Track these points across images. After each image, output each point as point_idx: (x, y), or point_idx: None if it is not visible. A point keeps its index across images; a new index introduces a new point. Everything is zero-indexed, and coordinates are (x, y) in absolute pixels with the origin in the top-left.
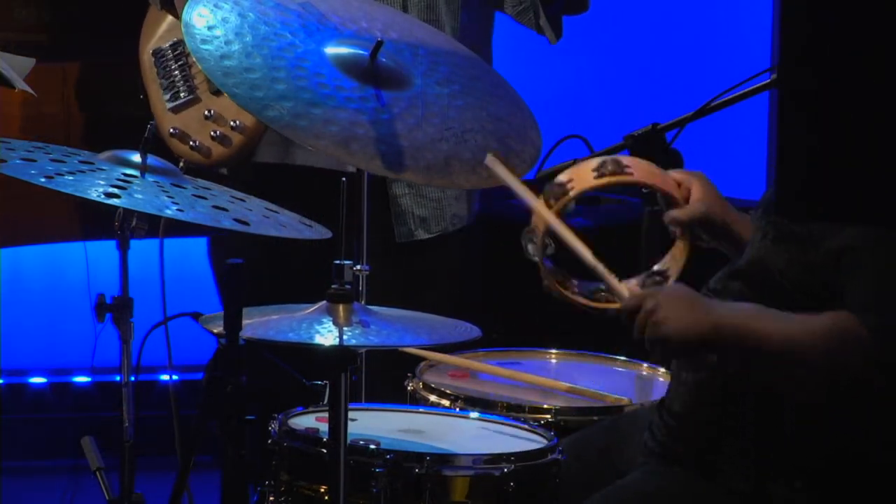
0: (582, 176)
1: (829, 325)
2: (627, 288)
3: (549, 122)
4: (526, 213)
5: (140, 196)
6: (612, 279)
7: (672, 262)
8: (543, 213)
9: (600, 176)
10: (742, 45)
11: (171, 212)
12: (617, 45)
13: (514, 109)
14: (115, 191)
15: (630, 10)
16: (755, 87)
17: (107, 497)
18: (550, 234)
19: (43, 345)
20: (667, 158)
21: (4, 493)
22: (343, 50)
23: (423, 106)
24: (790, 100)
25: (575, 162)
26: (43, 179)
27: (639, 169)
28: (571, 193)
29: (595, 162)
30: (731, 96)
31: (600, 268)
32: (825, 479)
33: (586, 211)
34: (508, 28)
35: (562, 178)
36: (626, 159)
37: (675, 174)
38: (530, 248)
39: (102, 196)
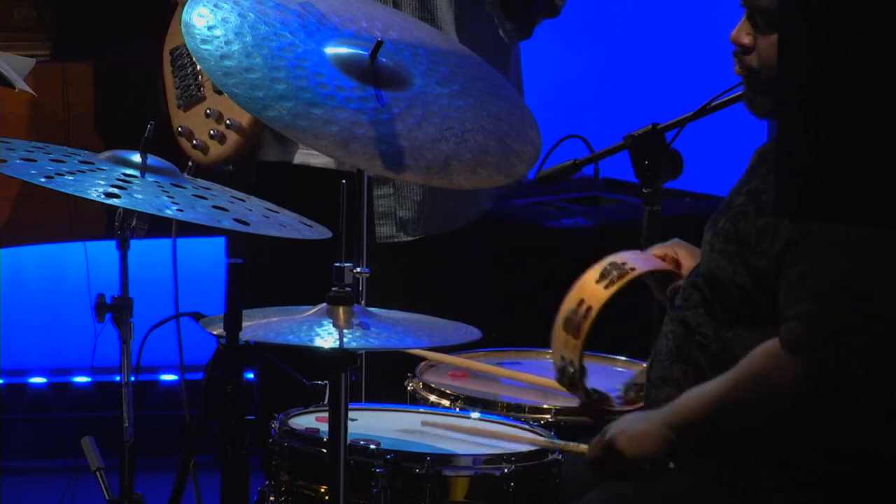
0: (592, 293)
1: (745, 368)
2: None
3: (549, 122)
4: (525, 213)
5: (140, 196)
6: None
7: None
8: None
9: (610, 285)
10: None
11: (171, 212)
12: (617, 45)
13: (514, 109)
14: (115, 191)
15: (630, 10)
16: None
17: (107, 497)
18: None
19: (43, 345)
20: (667, 158)
21: (4, 493)
22: (343, 50)
23: (423, 106)
24: (790, 100)
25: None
26: (43, 179)
27: (640, 260)
28: (592, 315)
29: (596, 272)
30: (731, 96)
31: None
32: (814, 476)
33: (586, 211)
34: None
35: (572, 303)
36: (621, 257)
37: (657, 250)
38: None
39: (102, 196)
